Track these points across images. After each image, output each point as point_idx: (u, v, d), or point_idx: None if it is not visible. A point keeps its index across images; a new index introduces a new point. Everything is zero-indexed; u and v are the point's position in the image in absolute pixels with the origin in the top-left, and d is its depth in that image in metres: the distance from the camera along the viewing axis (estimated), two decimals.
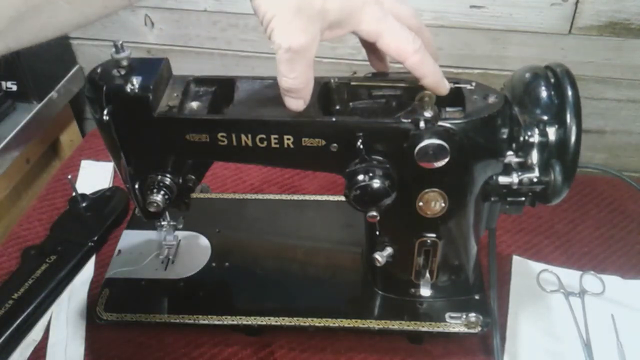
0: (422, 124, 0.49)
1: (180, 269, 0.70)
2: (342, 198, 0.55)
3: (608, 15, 0.79)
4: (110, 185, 0.88)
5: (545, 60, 0.56)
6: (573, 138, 0.51)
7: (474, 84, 0.54)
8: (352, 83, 0.56)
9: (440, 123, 0.50)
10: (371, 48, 0.51)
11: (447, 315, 0.63)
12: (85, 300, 0.72)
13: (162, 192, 0.57)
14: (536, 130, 0.51)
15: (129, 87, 0.51)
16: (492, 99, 0.52)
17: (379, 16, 0.45)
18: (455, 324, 0.62)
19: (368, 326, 0.63)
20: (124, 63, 0.52)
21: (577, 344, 0.65)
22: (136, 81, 0.51)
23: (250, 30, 0.90)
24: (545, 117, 0.52)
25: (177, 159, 0.58)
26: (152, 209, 0.58)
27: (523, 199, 0.56)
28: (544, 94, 0.53)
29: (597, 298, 0.70)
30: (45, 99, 0.90)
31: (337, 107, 0.57)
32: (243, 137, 0.53)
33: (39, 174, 0.96)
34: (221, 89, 0.57)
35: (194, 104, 0.55)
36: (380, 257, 0.60)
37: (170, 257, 0.71)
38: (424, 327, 0.63)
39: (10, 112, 0.87)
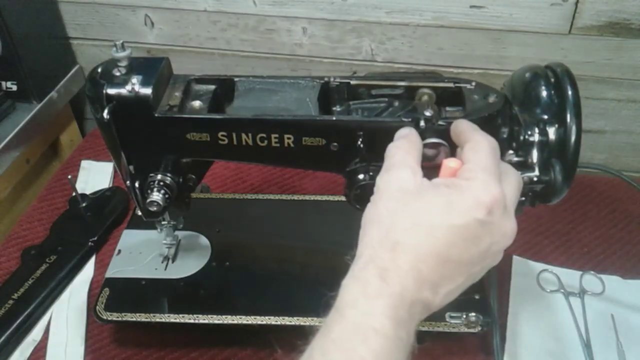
0: (422, 123, 0.49)
1: (180, 268, 0.70)
2: (342, 198, 0.55)
3: (608, 15, 0.79)
4: (110, 185, 0.88)
5: (545, 60, 0.56)
6: (573, 138, 0.51)
7: (474, 83, 0.54)
8: (352, 83, 0.56)
9: (440, 122, 0.50)
10: None
11: (447, 314, 0.63)
12: (85, 300, 0.72)
13: (162, 192, 0.57)
14: (536, 130, 0.51)
15: (129, 87, 0.51)
16: (492, 99, 0.52)
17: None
18: (455, 323, 0.62)
19: None
20: (125, 62, 0.53)
21: (577, 344, 0.65)
22: (136, 80, 0.51)
23: (250, 30, 0.90)
24: (546, 117, 0.52)
25: (178, 158, 0.58)
26: (152, 209, 0.58)
27: (523, 198, 0.56)
28: (544, 93, 0.53)
29: (597, 298, 0.70)
30: (45, 99, 0.90)
31: (337, 107, 0.57)
32: (243, 136, 0.53)
33: (39, 174, 0.96)
34: (221, 88, 0.57)
35: (195, 104, 0.55)
36: None
37: (170, 257, 0.71)
38: (424, 327, 0.62)
39: (10, 112, 0.87)
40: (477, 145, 0.43)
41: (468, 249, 0.39)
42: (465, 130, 0.45)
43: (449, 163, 0.43)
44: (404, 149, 0.45)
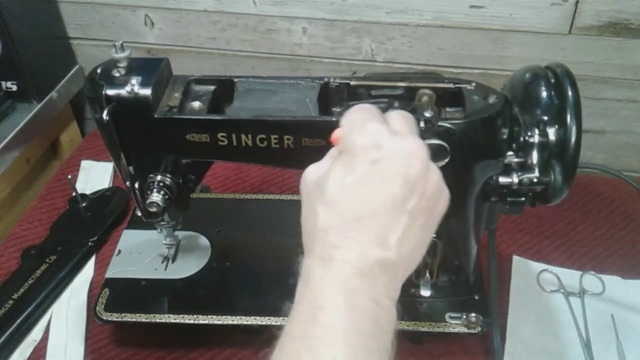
0: (422, 124, 0.49)
1: (180, 269, 0.70)
2: None
3: (608, 15, 0.79)
4: (110, 185, 0.88)
5: (545, 60, 0.56)
6: (573, 138, 0.51)
7: (474, 84, 0.54)
8: (352, 83, 0.56)
9: (440, 123, 0.50)
10: None
11: (447, 315, 0.63)
12: (85, 300, 0.72)
13: (162, 192, 0.57)
14: (536, 131, 0.51)
15: (128, 88, 0.51)
16: (492, 99, 0.52)
17: None
18: (455, 324, 0.62)
19: None
20: (124, 63, 0.52)
21: (577, 344, 0.65)
22: (136, 81, 0.51)
23: (250, 30, 0.90)
24: (546, 117, 0.52)
25: (177, 159, 0.58)
26: (152, 209, 0.58)
27: (523, 199, 0.56)
28: (544, 94, 0.53)
29: (597, 298, 0.70)
30: (45, 99, 0.90)
31: (337, 108, 0.57)
32: (243, 137, 0.53)
33: (39, 174, 0.96)
34: (221, 89, 0.57)
35: (194, 104, 0.55)
36: None
37: (170, 257, 0.71)
38: (424, 327, 0.63)
39: (10, 112, 0.87)
40: (346, 113, 0.44)
41: (381, 191, 0.38)
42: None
43: (333, 136, 0.43)
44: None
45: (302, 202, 0.42)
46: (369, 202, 0.38)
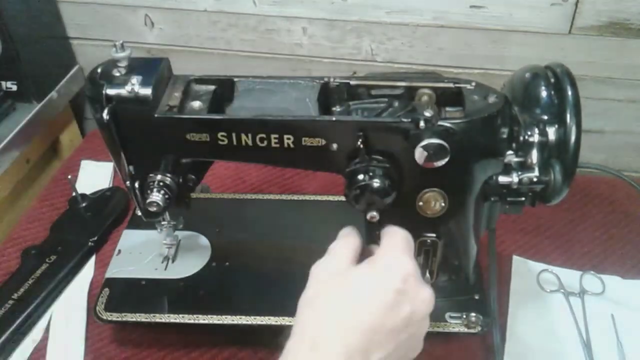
0: (422, 124, 0.49)
1: (180, 268, 0.70)
2: (342, 198, 0.55)
3: (608, 15, 0.79)
4: (110, 185, 0.88)
5: (545, 60, 0.56)
6: (573, 138, 0.51)
7: (474, 83, 0.54)
8: (352, 83, 0.56)
9: (440, 123, 0.50)
10: None
11: (447, 315, 0.63)
12: (85, 300, 0.72)
13: (162, 192, 0.57)
14: (536, 130, 0.52)
15: (129, 87, 0.51)
16: (492, 99, 0.52)
17: None
18: (455, 324, 0.62)
19: None
20: (124, 63, 0.53)
21: (577, 344, 0.65)
22: (136, 81, 0.51)
23: (250, 30, 0.90)
24: (545, 117, 0.52)
25: (178, 158, 0.58)
26: (152, 209, 0.58)
27: (523, 199, 0.56)
28: (544, 93, 0.53)
29: (597, 298, 0.70)
30: (45, 99, 0.90)
31: (337, 107, 0.57)
32: (243, 136, 0.53)
33: (39, 174, 0.96)
34: (221, 88, 0.57)
35: (195, 104, 0.55)
36: None
37: (170, 257, 0.71)
38: None
39: (10, 112, 0.87)
40: (390, 231, 0.51)
41: (390, 316, 0.44)
42: (386, 230, 0.52)
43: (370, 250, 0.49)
44: (340, 244, 0.51)
45: (309, 281, 0.48)
46: (375, 320, 0.44)
